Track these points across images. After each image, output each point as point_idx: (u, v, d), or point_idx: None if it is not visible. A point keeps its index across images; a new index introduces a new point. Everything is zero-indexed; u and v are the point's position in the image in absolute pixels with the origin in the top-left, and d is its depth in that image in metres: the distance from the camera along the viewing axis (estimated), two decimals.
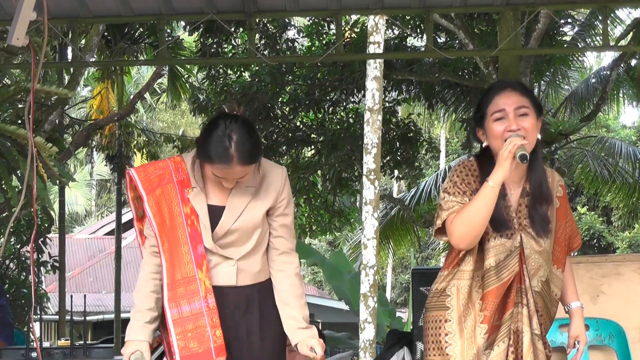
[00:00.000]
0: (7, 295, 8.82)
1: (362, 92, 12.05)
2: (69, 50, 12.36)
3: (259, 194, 3.57)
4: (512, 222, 3.47)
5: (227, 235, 3.52)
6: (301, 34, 13.88)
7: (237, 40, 13.13)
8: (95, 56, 11.62)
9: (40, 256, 12.64)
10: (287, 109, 13.78)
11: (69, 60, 11.77)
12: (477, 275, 3.49)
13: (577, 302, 3.65)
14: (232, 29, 12.28)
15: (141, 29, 13.18)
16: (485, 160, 3.49)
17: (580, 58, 15.58)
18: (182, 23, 12.14)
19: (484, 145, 3.54)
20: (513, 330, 3.45)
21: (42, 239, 12.46)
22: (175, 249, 3.47)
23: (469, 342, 3.46)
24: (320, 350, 3.53)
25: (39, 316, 11.81)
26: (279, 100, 13.59)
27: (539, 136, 3.49)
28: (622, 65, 13.72)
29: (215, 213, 3.52)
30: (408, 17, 12.66)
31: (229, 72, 13.44)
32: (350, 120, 13.64)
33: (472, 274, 3.50)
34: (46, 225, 12.84)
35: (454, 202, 3.47)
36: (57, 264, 13.08)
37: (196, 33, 12.68)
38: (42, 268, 13.20)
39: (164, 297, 3.47)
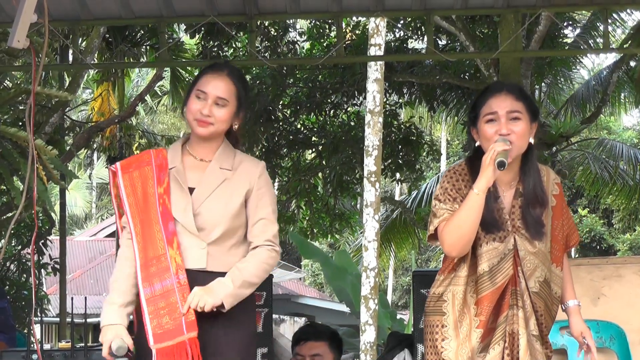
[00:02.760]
0: (8, 297, 8.80)
1: (364, 94, 12.05)
2: (70, 52, 12.36)
3: (232, 180, 3.58)
4: (505, 224, 3.47)
5: (197, 216, 3.52)
6: (302, 37, 13.87)
7: (238, 43, 13.12)
8: (96, 58, 11.62)
9: (40, 258, 12.62)
10: (288, 112, 13.77)
11: (70, 63, 11.78)
12: (471, 280, 3.49)
13: (574, 300, 3.62)
14: (234, 32, 12.28)
15: (142, 31, 13.18)
16: (477, 162, 3.47)
17: (585, 60, 15.59)
18: (184, 26, 12.14)
19: (476, 144, 3.55)
20: (508, 332, 3.43)
21: (42, 241, 12.44)
22: (147, 229, 3.50)
23: (463, 346, 3.46)
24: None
25: (39, 318, 11.80)
26: (280, 102, 13.57)
27: (532, 140, 3.50)
28: (622, 67, 13.72)
29: (190, 194, 3.57)
30: (409, 20, 12.66)
31: None
32: (352, 123, 13.63)
33: (467, 279, 3.49)
34: (47, 227, 12.83)
35: (444, 209, 3.47)
36: (57, 266, 13.07)
37: (198, 36, 12.67)
38: (42, 270, 13.18)
39: (138, 279, 3.47)
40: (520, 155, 3.50)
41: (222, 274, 3.50)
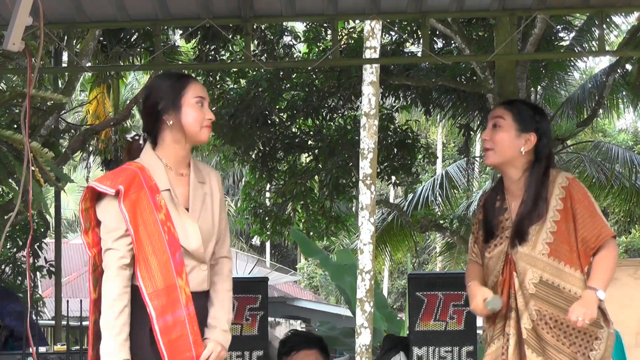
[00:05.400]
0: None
1: (360, 98, 12.06)
2: (65, 55, 12.35)
3: (209, 194, 3.55)
4: (505, 232, 3.73)
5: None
6: (298, 40, 13.87)
7: (234, 47, 13.12)
8: (91, 62, 11.61)
9: (36, 261, 12.61)
10: (284, 116, 13.77)
11: (65, 65, 11.76)
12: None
13: (591, 287, 3.65)
14: (230, 36, 12.28)
15: (137, 34, 13.17)
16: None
17: (579, 63, 15.61)
18: (179, 30, 12.13)
19: None
20: (507, 332, 3.68)
21: (38, 243, 12.43)
22: (154, 259, 3.36)
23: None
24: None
25: (35, 321, 11.77)
26: (277, 107, 13.58)
27: (523, 150, 3.70)
28: (618, 70, 13.74)
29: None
30: (405, 23, 12.66)
31: (227, 79, 13.41)
32: (348, 126, 13.63)
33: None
34: (42, 230, 12.82)
35: (470, 251, 3.91)
36: (53, 269, 13.06)
37: (193, 40, 12.67)
38: (38, 273, 13.17)
39: (149, 308, 3.34)
40: (523, 167, 3.73)
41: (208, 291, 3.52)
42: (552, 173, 3.74)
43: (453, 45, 13.12)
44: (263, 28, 12.69)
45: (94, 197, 3.46)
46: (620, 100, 15.65)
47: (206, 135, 3.53)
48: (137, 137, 3.56)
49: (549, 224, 3.68)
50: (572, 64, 15.19)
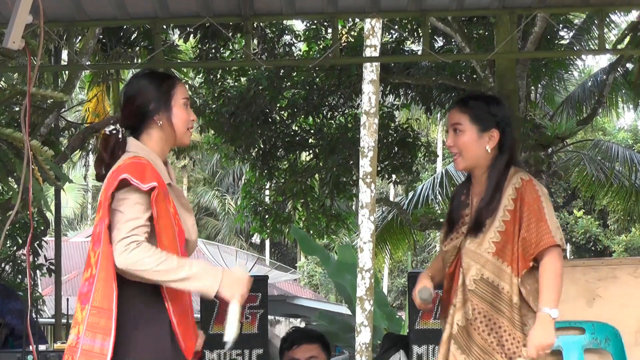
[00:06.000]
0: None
1: (360, 96, 12.06)
2: (65, 53, 12.34)
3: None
4: (461, 227, 3.78)
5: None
6: (299, 39, 13.87)
7: (234, 45, 13.12)
8: (90, 60, 11.61)
9: (36, 259, 12.61)
10: (285, 114, 13.78)
11: (65, 64, 11.76)
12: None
13: (544, 307, 3.60)
14: (230, 34, 12.28)
15: (137, 33, 13.17)
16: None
17: (578, 62, 15.60)
18: (178, 30, 12.13)
19: None
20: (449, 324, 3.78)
21: (38, 242, 12.43)
22: (170, 248, 3.35)
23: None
24: None
25: (35, 319, 11.78)
26: (277, 105, 13.58)
27: (489, 148, 3.70)
28: (619, 68, 13.73)
29: None
30: (405, 21, 12.66)
31: (227, 77, 13.42)
32: (349, 125, 13.64)
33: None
34: (42, 228, 12.82)
35: (440, 242, 3.99)
36: (53, 267, 13.05)
37: (194, 39, 12.66)
38: (38, 271, 13.16)
39: (167, 301, 3.31)
40: (487, 164, 3.73)
41: None
42: (510, 172, 3.72)
43: (453, 43, 13.11)
44: (263, 26, 12.69)
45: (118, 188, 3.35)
46: (620, 100, 15.65)
47: (189, 138, 3.57)
48: (114, 132, 3.53)
49: (497, 222, 3.66)
50: (572, 62, 15.19)
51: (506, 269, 3.65)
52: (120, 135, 3.49)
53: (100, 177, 3.48)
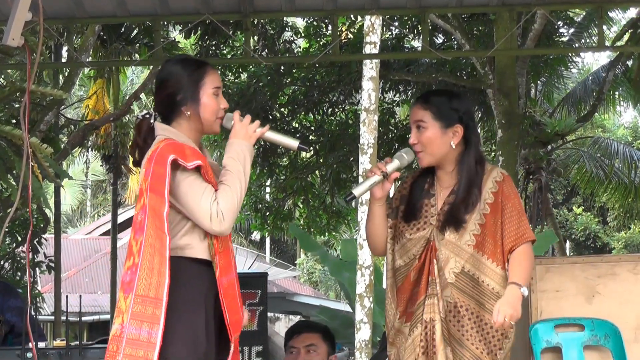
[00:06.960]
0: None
1: (360, 93, 12.07)
2: (64, 50, 12.35)
3: None
4: (429, 217, 3.70)
5: None
6: (299, 35, 13.88)
7: (235, 42, 13.13)
8: (90, 57, 11.61)
9: (35, 256, 12.62)
10: (285, 111, 13.78)
11: (65, 61, 11.76)
12: (394, 274, 3.78)
13: (513, 283, 3.59)
14: (230, 32, 12.29)
15: (136, 30, 13.17)
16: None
17: (576, 59, 15.61)
18: (179, 27, 12.14)
19: None
20: (426, 319, 3.64)
21: (37, 239, 12.44)
22: None
23: (398, 334, 3.76)
24: None
25: (34, 316, 11.79)
26: (277, 101, 13.59)
27: (454, 143, 3.68)
28: (619, 66, 13.74)
29: None
30: (405, 18, 12.67)
31: (228, 74, 13.42)
32: (349, 121, 13.64)
33: (392, 272, 3.79)
34: (41, 225, 12.83)
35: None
36: (52, 264, 13.07)
37: (194, 36, 12.67)
38: (37, 268, 13.18)
39: (216, 263, 3.32)
40: (455, 159, 3.71)
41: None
42: (487, 167, 3.72)
43: (453, 40, 13.12)
44: (264, 23, 12.70)
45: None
46: (620, 97, 15.66)
47: (218, 126, 3.51)
48: (147, 116, 3.53)
49: (478, 215, 3.66)
50: (571, 60, 15.20)
51: (486, 262, 3.64)
52: (152, 120, 3.48)
53: (136, 163, 3.47)
